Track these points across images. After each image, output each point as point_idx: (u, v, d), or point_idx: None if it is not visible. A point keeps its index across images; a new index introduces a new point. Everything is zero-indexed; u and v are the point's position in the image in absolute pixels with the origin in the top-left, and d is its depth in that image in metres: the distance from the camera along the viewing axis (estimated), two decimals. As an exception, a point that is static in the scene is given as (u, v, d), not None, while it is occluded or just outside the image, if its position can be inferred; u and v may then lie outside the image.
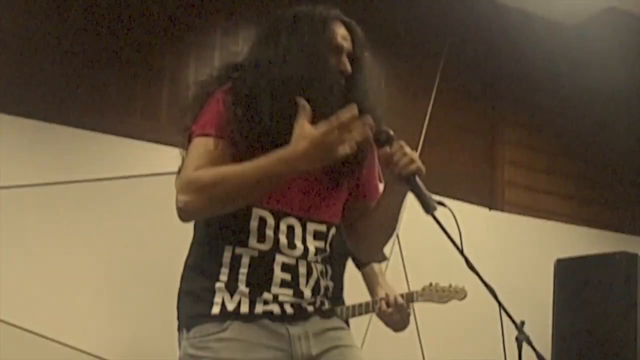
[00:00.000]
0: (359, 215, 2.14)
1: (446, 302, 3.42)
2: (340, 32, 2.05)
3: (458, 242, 2.03)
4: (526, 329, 2.10)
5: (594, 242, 5.24)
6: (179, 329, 2.02)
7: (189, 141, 1.99)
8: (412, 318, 3.78)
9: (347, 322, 3.28)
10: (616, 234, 5.53)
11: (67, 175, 4.04)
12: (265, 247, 1.97)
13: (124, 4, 4.37)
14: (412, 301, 3.14)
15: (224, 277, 1.96)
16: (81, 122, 4.07)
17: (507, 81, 5.35)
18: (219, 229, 2.00)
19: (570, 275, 4.72)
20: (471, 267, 2.06)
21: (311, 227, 2.04)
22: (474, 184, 5.10)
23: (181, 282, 2.08)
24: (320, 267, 2.07)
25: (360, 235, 2.16)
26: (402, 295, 3.00)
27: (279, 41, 2.04)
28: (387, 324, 3.06)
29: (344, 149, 1.80)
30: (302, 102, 1.87)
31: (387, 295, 3.03)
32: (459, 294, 3.39)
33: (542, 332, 4.32)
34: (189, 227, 2.16)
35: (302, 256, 2.00)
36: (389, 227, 2.12)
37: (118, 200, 4.12)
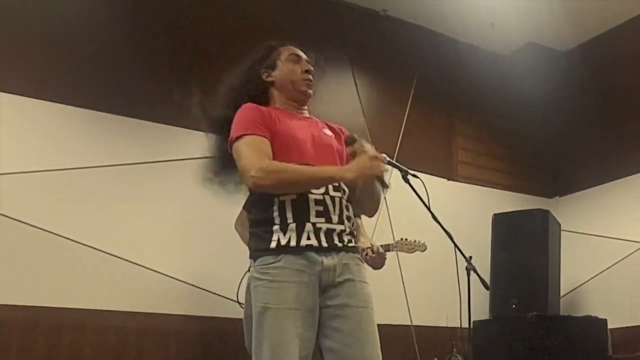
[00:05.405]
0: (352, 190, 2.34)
1: (412, 252, 3.79)
2: (296, 51, 2.43)
3: (427, 202, 2.41)
4: (472, 262, 2.77)
5: (519, 202, 5.77)
6: (250, 258, 2.25)
7: (233, 142, 2.19)
8: (395, 258, 4.72)
9: None
10: (534, 197, 6.03)
11: (157, 157, 4.43)
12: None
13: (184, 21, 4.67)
14: (389, 250, 3.36)
15: (277, 220, 2.17)
16: (155, 117, 4.53)
17: (460, 93, 5.89)
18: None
19: (503, 225, 5.26)
20: (435, 219, 2.44)
21: None
22: (438, 163, 5.66)
23: (250, 228, 2.29)
24: (340, 201, 2.25)
25: (358, 202, 2.40)
26: (382, 246, 3.26)
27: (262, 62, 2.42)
28: (369, 264, 3.31)
29: (378, 172, 2.18)
30: (367, 146, 2.19)
31: (371, 245, 3.28)
32: (421, 247, 3.78)
33: (483, 265, 4.46)
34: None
35: (325, 192, 2.22)
36: (373, 196, 2.37)
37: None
